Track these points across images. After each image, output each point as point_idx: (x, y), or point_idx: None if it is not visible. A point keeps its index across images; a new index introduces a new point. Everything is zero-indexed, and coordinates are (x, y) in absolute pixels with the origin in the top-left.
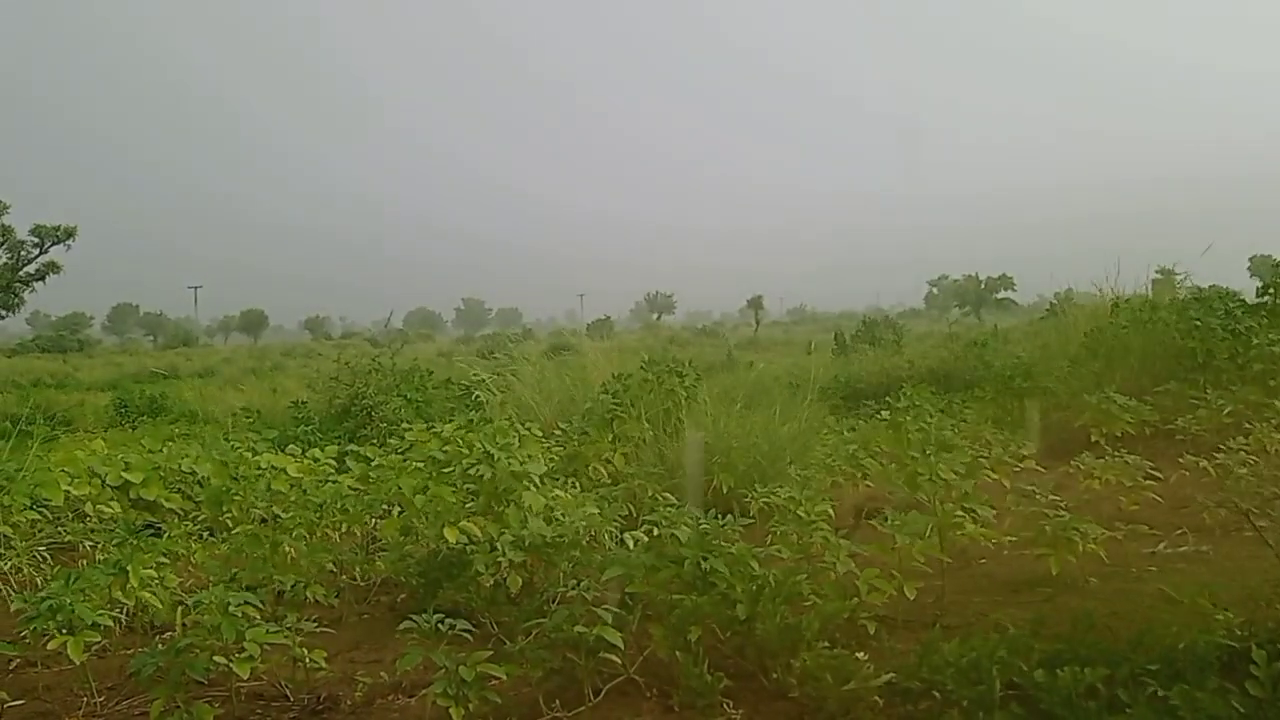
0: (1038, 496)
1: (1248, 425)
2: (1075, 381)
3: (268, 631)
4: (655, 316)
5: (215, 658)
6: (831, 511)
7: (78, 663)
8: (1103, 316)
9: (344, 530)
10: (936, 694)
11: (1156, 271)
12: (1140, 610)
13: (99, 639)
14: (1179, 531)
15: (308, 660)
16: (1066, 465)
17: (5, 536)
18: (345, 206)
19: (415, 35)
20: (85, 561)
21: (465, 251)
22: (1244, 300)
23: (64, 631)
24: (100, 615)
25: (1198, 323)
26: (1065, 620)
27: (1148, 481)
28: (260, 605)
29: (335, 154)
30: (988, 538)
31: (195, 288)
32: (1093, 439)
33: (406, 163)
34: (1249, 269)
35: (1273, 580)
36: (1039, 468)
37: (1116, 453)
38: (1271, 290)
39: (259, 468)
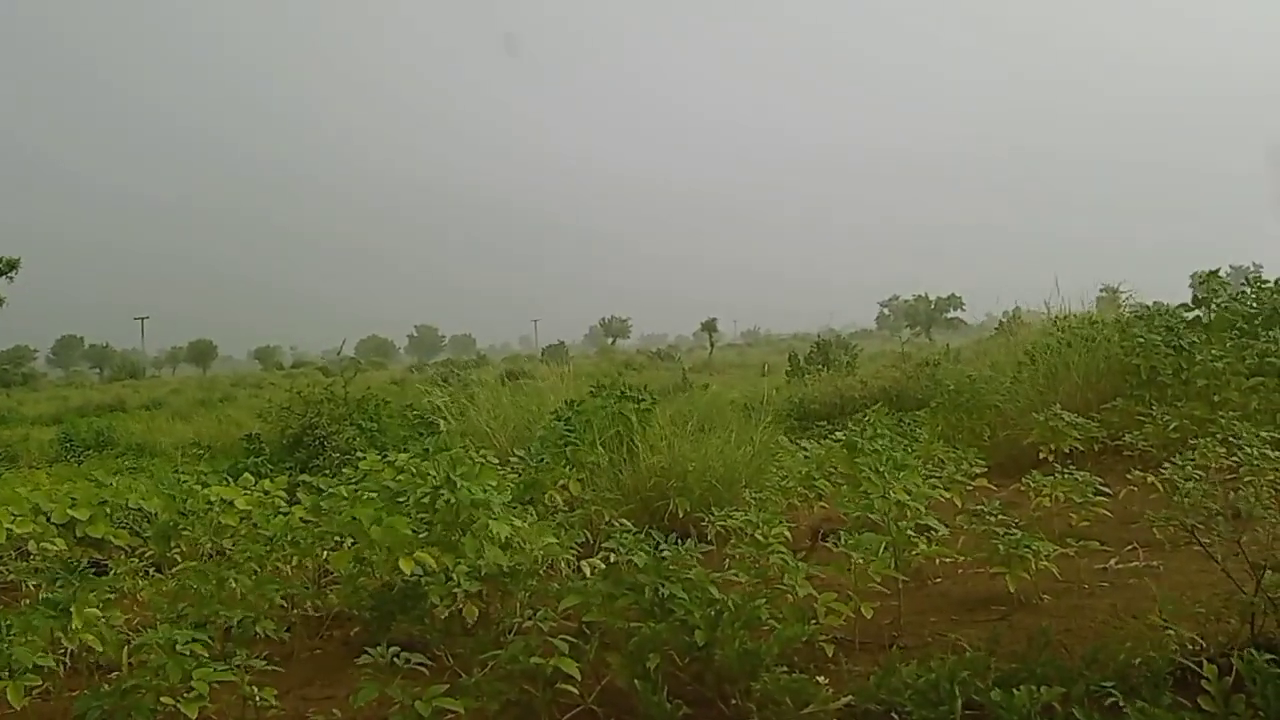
0: (988, 516)
1: (1192, 441)
2: (1023, 399)
3: (216, 670)
4: (610, 341)
5: (162, 699)
6: (788, 534)
7: (18, 708)
8: (1048, 334)
9: (294, 563)
10: (895, 716)
11: (1101, 290)
12: (1093, 626)
13: (39, 683)
14: (1129, 547)
15: (258, 699)
16: (1017, 483)
17: None
18: (294, 233)
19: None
20: (29, 601)
21: (417, 277)
22: (1184, 317)
23: (4, 675)
24: (42, 657)
25: (1141, 339)
26: (1021, 638)
27: (1097, 498)
28: (209, 642)
29: (289, 175)
30: (942, 556)
31: (142, 319)
32: (1041, 456)
33: (356, 185)
34: (1190, 286)
35: (1221, 594)
36: (991, 486)
37: (1066, 469)
38: (1202, 302)
39: (208, 501)
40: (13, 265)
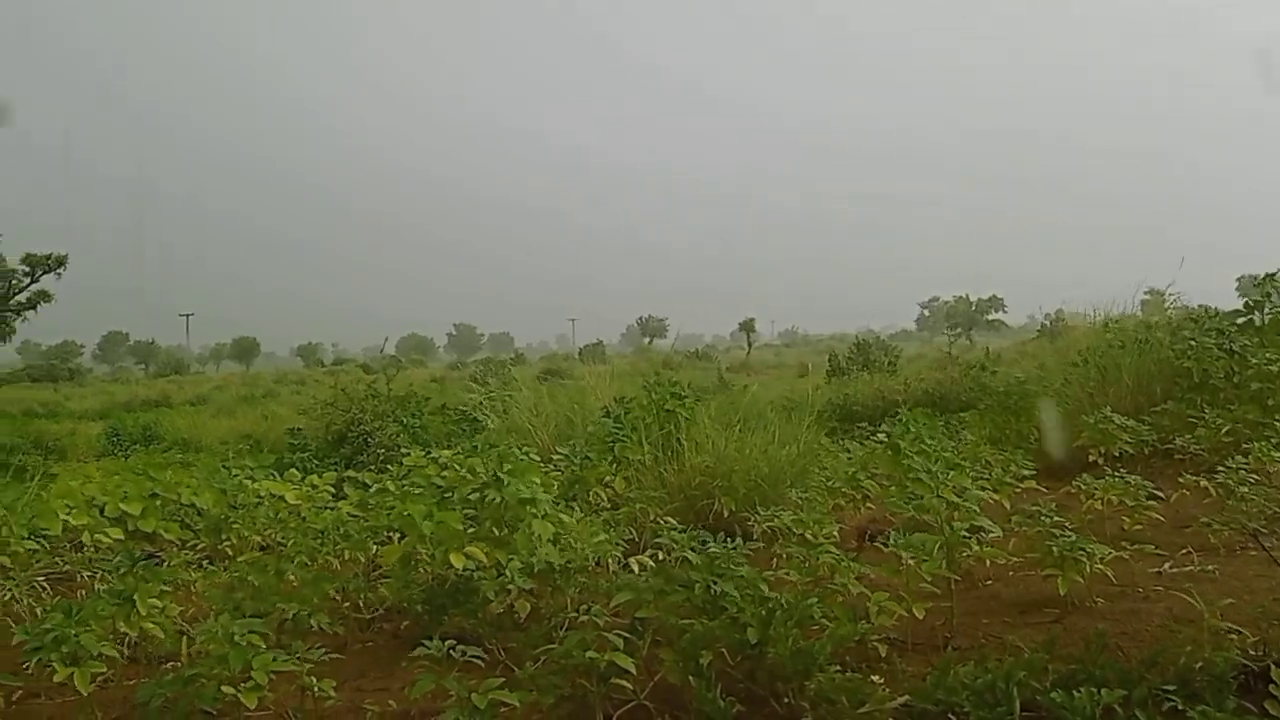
0: (1043, 517)
1: (1246, 444)
2: (1071, 401)
3: (275, 660)
4: (647, 340)
5: (223, 688)
6: (836, 534)
7: (84, 694)
8: (1097, 337)
9: (345, 557)
10: (952, 716)
11: (1145, 292)
12: (1151, 630)
13: (104, 670)
14: (1184, 551)
15: (316, 689)
16: (1067, 485)
17: (4, 567)
18: (337, 231)
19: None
20: (84, 592)
21: (458, 275)
22: (1236, 320)
23: (69, 663)
24: (104, 646)
25: (1193, 342)
26: (1076, 641)
27: (1150, 501)
28: (266, 634)
29: (327, 176)
30: (994, 558)
31: (187, 315)
32: (1091, 459)
33: (394, 189)
34: (1237, 289)
35: None
36: (1040, 488)
37: (1116, 472)
38: (1256, 306)
39: (257, 495)
40: (60, 262)
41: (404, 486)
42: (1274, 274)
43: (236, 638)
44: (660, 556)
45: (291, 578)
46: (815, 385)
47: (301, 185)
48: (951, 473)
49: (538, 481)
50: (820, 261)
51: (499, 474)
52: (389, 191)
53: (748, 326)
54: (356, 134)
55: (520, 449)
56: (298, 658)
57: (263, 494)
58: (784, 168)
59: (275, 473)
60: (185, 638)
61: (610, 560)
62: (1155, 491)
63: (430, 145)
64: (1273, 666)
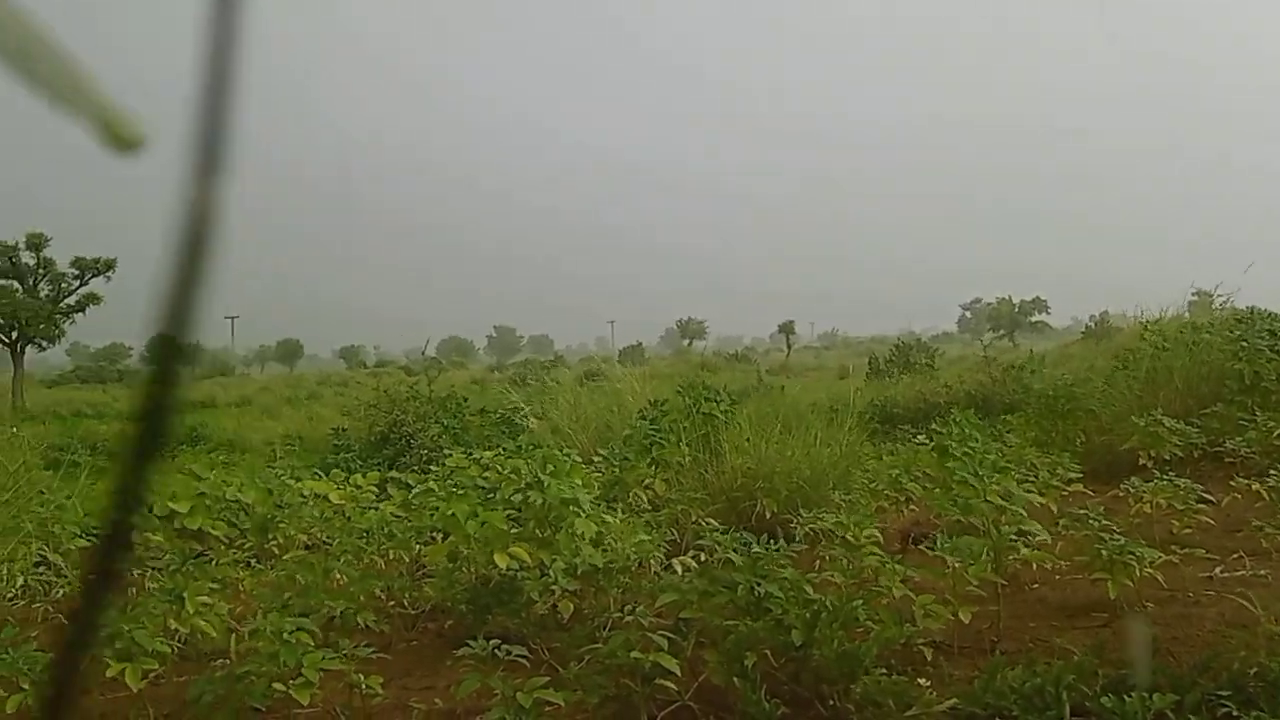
0: (1090, 520)
1: None
2: (1119, 404)
3: (325, 658)
4: (686, 343)
5: (274, 684)
6: (880, 536)
7: (135, 690)
8: (1143, 339)
9: (390, 557)
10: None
11: (1193, 293)
12: (1203, 635)
13: (155, 666)
14: (1235, 555)
15: (364, 687)
16: (1114, 489)
17: (56, 565)
18: (379, 236)
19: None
20: (134, 590)
21: (498, 278)
22: None
23: (120, 659)
24: (156, 642)
25: (1244, 343)
26: (1125, 645)
27: (1200, 505)
28: (314, 631)
29: (369, 183)
30: (1040, 561)
31: (232, 318)
32: (1140, 462)
33: (435, 193)
34: None
35: None
36: (1087, 491)
37: (1165, 476)
38: None
39: (301, 495)
40: (109, 266)
41: (448, 487)
42: None
43: (286, 635)
44: (703, 558)
45: (338, 576)
46: (855, 387)
47: (344, 192)
48: (997, 475)
49: (580, 483)
50: (861, 263)
51: (540, 475)
52: (431, 197)
53: (787, 328)
54: (397, 140)
55: (561, 451)
56: (345, 655)
57: (307, 493)
58: (826, 168)
59: (319, 473)
60: (234, 635)
61: (653, 561)
62: (1205, 495)
63: (470, 151)
64: None
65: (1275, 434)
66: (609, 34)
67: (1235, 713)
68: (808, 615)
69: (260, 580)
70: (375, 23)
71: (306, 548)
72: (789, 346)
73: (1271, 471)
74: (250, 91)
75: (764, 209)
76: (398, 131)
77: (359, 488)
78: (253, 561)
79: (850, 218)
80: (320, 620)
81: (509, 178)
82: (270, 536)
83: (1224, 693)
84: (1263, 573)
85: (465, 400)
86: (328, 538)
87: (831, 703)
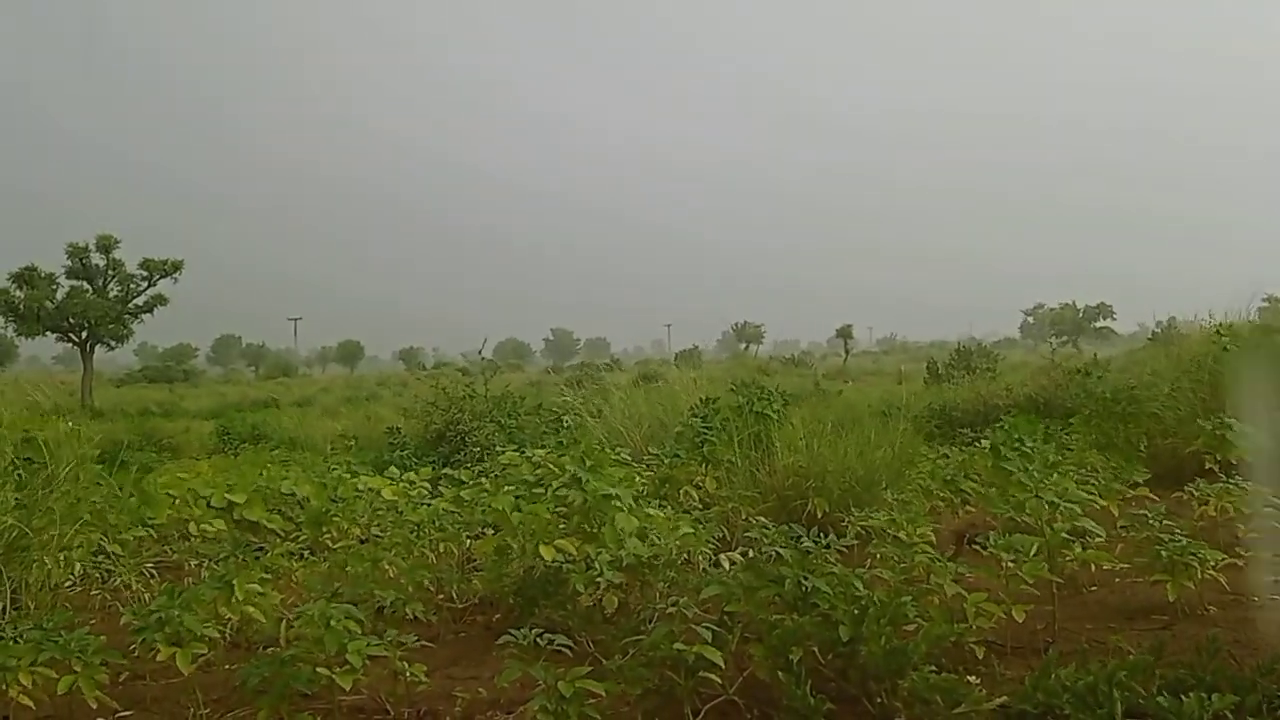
0: (1151, 522)
1: None
2: (1184, 408)
3: (369, 645)
4: (743, 346)
5: (318, 670)
6: (932, 535)
7: (185, 674)
8: (1211, 343)
9: (439, 550)
10: (1051, 719)
11: (1264, 299)
12: (1267, 638)
13: (205, 651)
14: None
15: (408, 674)
16: (1178, 492)
17: (114, 554)
18: (437, 241)
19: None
20: (190, 579)
21: (556, 281)
22: None
23: (172, 644)
24: (206, 628)
25: None
26: (1186, 647)
27: (1267, 509)
28: (361, 620)
29: (429, 192)
30: (1099, 563)
31: (295, 320)
32: (1206, 466)
33: (499, 200)
34: None
35: None
36: (1151, 495)
37: (1231, 479)
38: None
39: (356, 490)
40: (177, 267)
41: (499, 483)
42: None
43: (333, 622)
44: (751, 553)
45: (388, 568)
46: (913, 391)
47: (403, 201)
48: (1054, 474)
49: (629, 478)
50: (922, 266)
51: (579, 473)
52: (488, 202)
53: (845, 333)
54: (454, 147)
55: (612, 449)
56: (391, 643)
57: (361, 489)
58: (890, 168)
59: (375, 470)
60: (284, 623)
61: (700, 557)
62: (1273, 498)
63: (527, 155)
64: None
65: None
66: (659, 34)
67: None
68: (856, 611)
69: (312, 570)
70: (416, 24)
71: (360, 541)
72: (847, 351)
73: None
74: (301, 102)
75: (824, 211)
76: (448, 136)
77: (412, 483)
78: (306, 553)
79: (911, 219)
80: (369, 610)
81: (564, 180)
82: (324, 530)
83: None
84: None
85: (523, 399)
86: (380, 531)
87: (879, 700)
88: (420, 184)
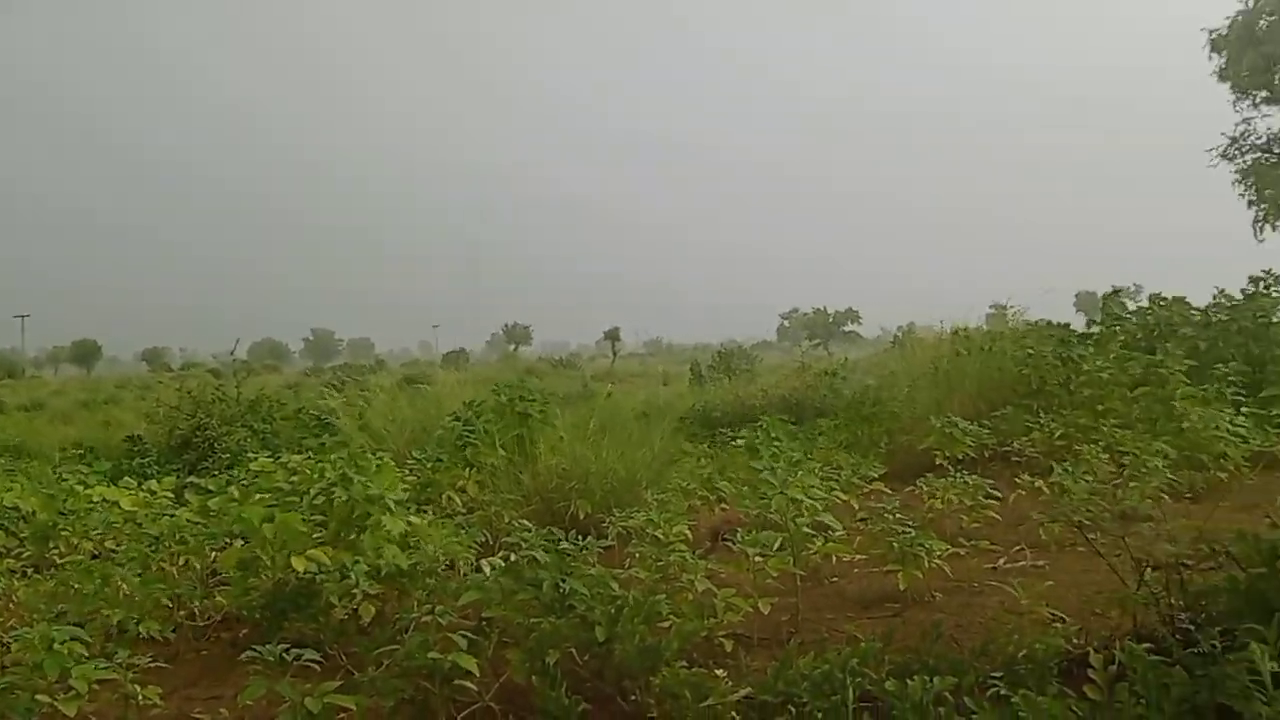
0: (886, 515)
1: (1078, 446)
2: (919, 407)
3: (97, 668)
4: (512, 348)
5: (39, 696)
6: (689, 534)
7: None
8: (945, 347)
9: (181, 564)
10: (792, 707)
11: (990, 306)
12: (983, 622)
13: None
14: (1017, 547)
15: (140, 697)
16: (912, 486)
17: None
18: (184, 230)
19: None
20: None
21: (316, 278)
22: (1073, 330)
23: None
24: None
25: (1031, 351)
26: (914, 633)
27: (988, 501)
28: (88, 641)
29: (174, 166)
30: (839, 555)
31: (22, 317)
32: (937, 461)
33: (250, 191)
34: (1075, 305)
35: (1105, 591)
36: (886, 489)
37: (958, 474)
38: (1101, 322)
39: (90, 501)
40: None
41: (250, 491)
42: (1118, 290)
43: (56, 645)
44: (512, 557)
45: (121, 584)
46: (677, 393)
47: (144, 175)
48: (799, 472)
49: (394, 481)
50: (686, 273)
51: (347, 471)
52: (241, 187)
53: (613, 335)
54: (210, 117)
55: (374, 453)
56: (122, 665)
57: (96, 500)
58: (656, 180)
59: (112, 480)
60: (1, 648)
61: (462, 563)
62: (993, 492)
63: (297, 134)
64: (1092, 653)
65: (1056, 435)
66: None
67: (1005, 692)
68: (612, 611)
69: (36, 590)
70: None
71: (93, 556)
72: (614, 353)
73: (1053, 470)
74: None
75: (595, 219)
76: (219, 109)
77: (153, 493)
78: (30, 571)
79: (672, 227)
80: (99, 630)
81: (330, 168)
82: (52, 545)
83: (997, 674)
84: (1041, 563)
85: (283, 404)
86: (115, 546)
87: (633, 697)
88: (168, 162)
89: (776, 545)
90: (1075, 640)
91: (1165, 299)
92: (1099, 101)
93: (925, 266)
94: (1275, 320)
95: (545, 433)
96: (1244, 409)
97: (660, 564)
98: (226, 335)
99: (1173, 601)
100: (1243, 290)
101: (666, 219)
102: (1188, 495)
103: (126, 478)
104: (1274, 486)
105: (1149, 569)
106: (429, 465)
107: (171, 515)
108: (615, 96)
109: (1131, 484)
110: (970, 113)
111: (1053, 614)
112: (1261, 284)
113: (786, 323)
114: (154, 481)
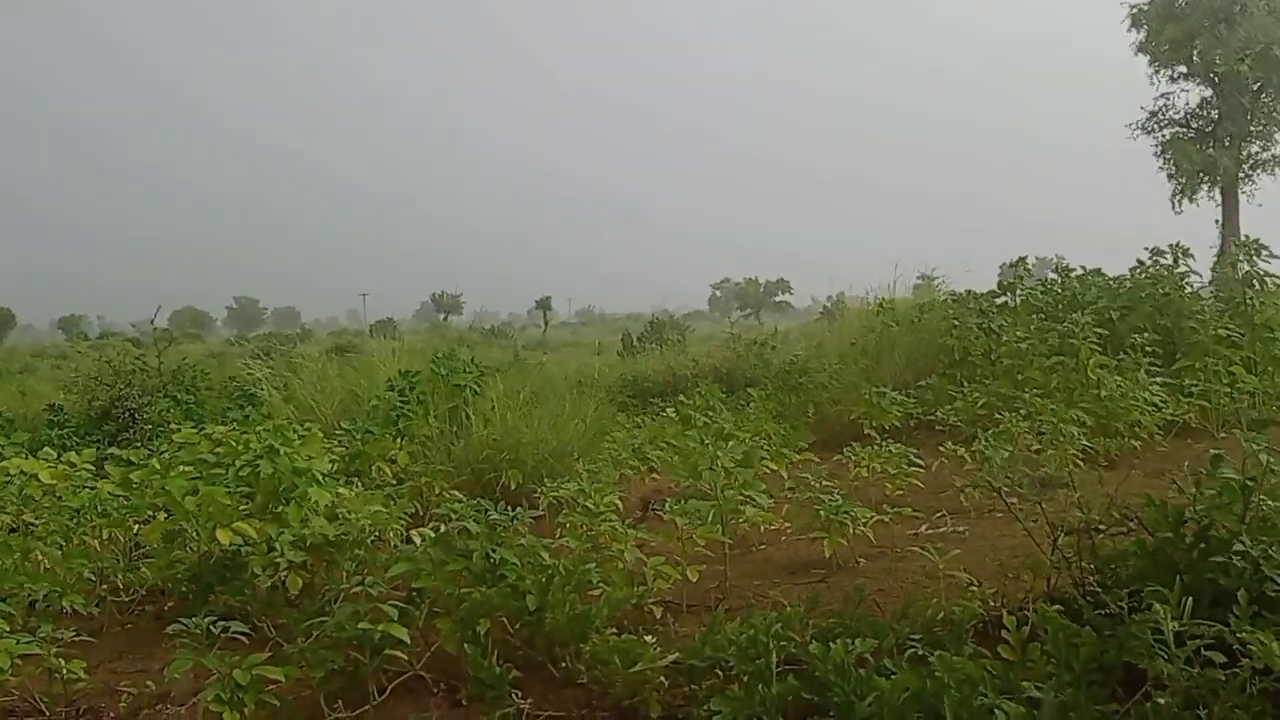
0: (813, 483)
1: (999, 415)
2: (848, 377)
3: (19, 643)
4: (442, 317)
5: None
6: (620, 503)
7: None
8: (873, 317)
9: (104, 537)
10: (719, 670)
11: (918, 277)
12: (905, 586)
13: None
14: (939, 514)
15: (64, 672)
16: (840, 455)
17: None
18: (104, 195)
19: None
20: None
21: (239, 245)
22: (995, 301)
23: None
24: None
25: (956, 322)
26: (838, 598)
27: (911, 469)
28: (10, 615)
29: (103, 132)
30: (766, 523)
31: None
32: (865, 431)
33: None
34: (999, 276)
35: (1021, 555)
36: (814, 458)
37: (884, 443)
38: (1008, 288)
39: (7, 474)
40: None
41: (173, 463)
42: (1025, 258)
43: None
44: (442, 528)
45: (42, 559)
46: (609, 362)
47: (62, 139)
48: (730, 443)
49: (313, 454)
50: (618, 242)
51: (273, 443)
52: (169, 152)
53: (544, 304)
54: (137, 84)
55: (302, 425)
56: (44, 640)
57: (14, 472)
58: (587, 148)
59: (29, 451)
60: None
61: (392, 534)
62: (917, 460)
63: (221, 103)
64: (1006, 615)
65: (979, 404)
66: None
67: (923, 653)
68: (542, 580)
69: None
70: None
71: (12, 530)
72: (546, 323)
73: (975, 438)
74: None
75: (529, 185)
76: (137, 74)
77: (73, 465)
78: None
79: (609, 195)
80: (20, 605)
81: (255, 134)
82: None
83: (916, 636)
84: (961, 529)
85: (204, 373)
86: (34, 519)
87: (563, 664)
88: (95, 128)
89: (709, 515)
90: (991, 603)
91: (1075, 270)
92: (1027, 80)
93: (855, 242)
94: (1181, 293)
95: (478, 403)
96: (1157, 378)
97: (591, 533)
98: (146, 306)
99: (1084, 565)
100: (1142, 261)
101: (602, 189)
102: (1103, 463)
103: (45, 449)
104: (1184, 453)
105: (1063, 534)
106: (359, 436)
107: (93, 488)
108: (556, 57)
109: (1049, 451)
110: (905, 103)
111: (970, 578)
112: (1168, 256)
113: (718, 293)
114: (73, 453)
